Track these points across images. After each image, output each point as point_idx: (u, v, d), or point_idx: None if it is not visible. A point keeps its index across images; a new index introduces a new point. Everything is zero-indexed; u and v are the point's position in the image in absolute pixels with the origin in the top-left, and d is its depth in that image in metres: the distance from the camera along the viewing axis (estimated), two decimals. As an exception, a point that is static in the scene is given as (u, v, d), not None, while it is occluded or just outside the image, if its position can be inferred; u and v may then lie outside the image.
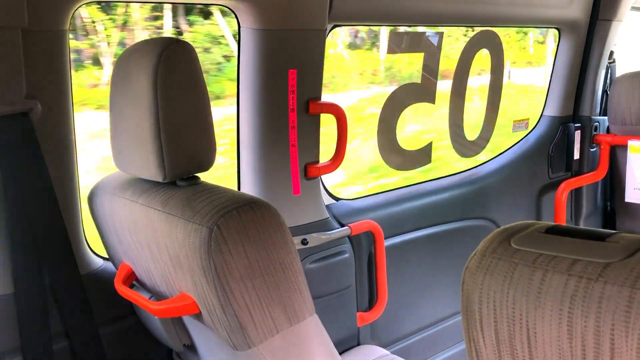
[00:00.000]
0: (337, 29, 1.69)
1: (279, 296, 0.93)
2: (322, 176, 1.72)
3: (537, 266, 0.58)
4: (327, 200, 1.80)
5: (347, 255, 1.72)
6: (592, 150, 2.39)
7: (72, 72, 1.26)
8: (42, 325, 1.23)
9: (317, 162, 1.62)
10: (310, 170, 1.60)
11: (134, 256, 1.09)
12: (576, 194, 2.44)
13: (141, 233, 1.01)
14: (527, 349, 0.59)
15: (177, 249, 0.91)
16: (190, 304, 0.95)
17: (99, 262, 1.38)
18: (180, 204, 0.93)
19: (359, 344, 1.81)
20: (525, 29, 5.20)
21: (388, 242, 1.84)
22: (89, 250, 1.36)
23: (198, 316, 0.97)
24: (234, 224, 0.87)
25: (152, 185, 1.05)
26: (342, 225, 1.72)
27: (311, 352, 0.97)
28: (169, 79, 0.95)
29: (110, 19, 3.62)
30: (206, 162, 1.03)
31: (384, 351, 1.73)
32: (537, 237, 0.62)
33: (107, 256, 1.40)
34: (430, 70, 1.94)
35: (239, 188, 1.60)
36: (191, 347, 1.23)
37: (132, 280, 1.17)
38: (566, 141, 2.36)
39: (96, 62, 3.71)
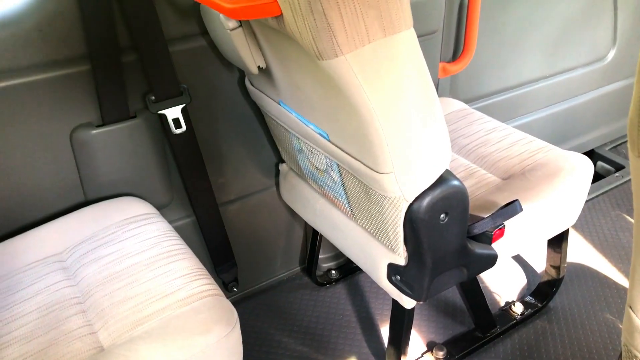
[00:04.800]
0: None
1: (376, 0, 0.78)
2: None
3: None
4: None
5: (438, -6, 1.52)
6: None
7: None
8: (107, 29, 1.15)
9: None
10: None
11: None
12: None
13: None
14: None
15: None
16: (270, 3, 0.83)
17: None
18: None
19: (437, 97, 1.71)
20: None
21: (485, -13, 1.62)
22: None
23: (279, 20, 0.85)
24: None
25: None
26: None
27: (402, 70, 0.85)
28: None
29: None
30: None
31: (464, 105, 1.62)
32: None
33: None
34: None
35: None
36: (265, 71, 1.14)
37: None
38: None
39: None
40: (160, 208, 1.39)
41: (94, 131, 1.21)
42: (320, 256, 1.78)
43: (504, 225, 1.15)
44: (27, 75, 1.12)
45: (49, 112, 1.16)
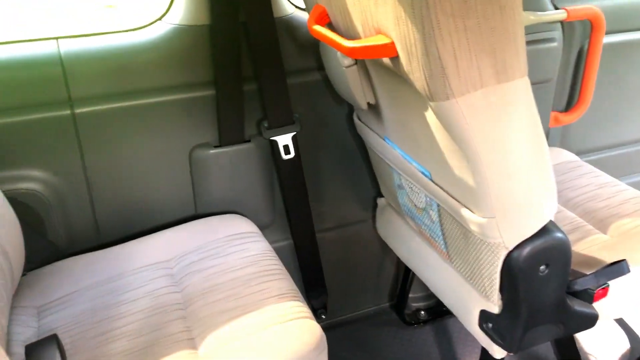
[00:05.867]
0: None
1: (491, 45, 0.80)
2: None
3: None
4: (544, -23, 1.54)
5: (555, 44, 1.50)
6: None
7: None
8: (233, 60, 1.24)
9: None
10: None
11: None
12: None
13: None
14: None
15: None
16: (387, 44, 0.87)
17: (290, 8, 1.33)
18: None
19: (546, 146, 1.67)
20: None
21: (608, 39, 1.57)
22: (282, -6, 1.31)
23: (393, 61, 0.89)
24: None
25: None
26: (557, 8, 1.48)
27: (512, 117, 0.86)
28: None
29: None
30: None
31: (574, 156, 1.58)
32: None
33: (297, 4, 1.35)
34: None
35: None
36: (373, 107, 1.19)
37: (326, 23, 1.10)
38: None
39: None
40: (262, 228, 1.46)
41: (212, 151, 1.30)
42: (410, 295, 1.77)
43: (608, 285, 1.10)
44: (158, 95, 1.24)
45: (173, 130, 1.27)
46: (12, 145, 1.17)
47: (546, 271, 1.01)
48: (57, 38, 1.18)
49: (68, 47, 1.18)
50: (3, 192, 1.07)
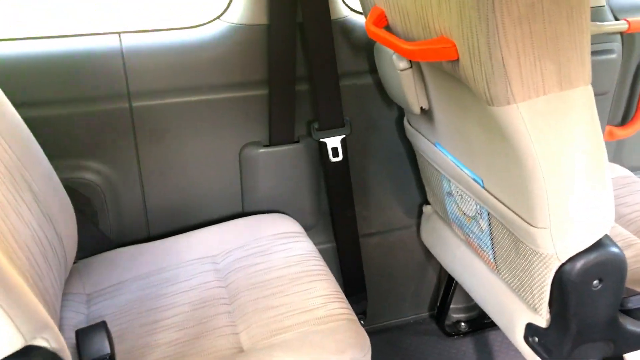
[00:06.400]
0: None
1: (556, 52, 0.78)
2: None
3: None
4: (605, -13, 1.51)
5: (614, 55, 1.47)
6: None
7: None
8: (288, 60, 1.25)
9: None
10: None
11: None
12: None
13: None
14: None
15: None
16: (449, 47, 0.86)
17: (345, 11, 1.34)
18: None
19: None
20: None
21: (669, 51, 1.53)
22: (338, -3, 1.32)
23: (454, 64, 0.88)
24: None
25: None
26: (617, 19, 1.44)
27: (574, 125, 0.84)
28: None
29: None
30: None
31: (628, 172, 1.53)
32: None
33: (353, 7, 1.36)
34: None
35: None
36: (426, 112, 1.18)
37: (383, 25, 1.10)
38: None
39: None
40: (305, 230, 1.46)
41: (261, 150, 1.32)
42: (451, 305, 1.74)
43: None
44: (212, 92, 1.25)
45: (225, 128, 1.29)
46: (71, 135, 1.20)
47: (599, 286, 0.98)
48: (119, 33, 1.21)
49: (129, 41, 1.21)
50: (61, 180, 1.10)
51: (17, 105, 1.04)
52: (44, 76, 1.16)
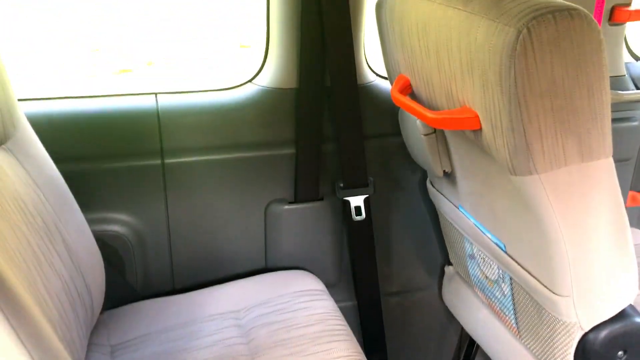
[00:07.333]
0: None
1: (577, 126, 0.81)
2: (626, 27, 1.46)
3: None
4: (626, 57, 1.54)
5: (636, 123, 1.49)
6: None
7: None
8: (316, 122, 1.30)
9: (629, 4, 1.36)
10: (617, 14, 1.36)
11: (416, 66, 1.05)
12: None
13: (431, 36, 0.95)
14: None
15: (473, 52, 0.83)
16: (472, 117, 0.89)
17: (372, 77, 1.39)
18: (486, 2, 0.83)
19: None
20: None
21: (691, 120, 1.54)
22: (365, 62, 1.37)
23: (476, 134, 0.91)
24: (547, 29, 0.75)
25: None
26: (638, 88, 1.47)
27: (595, 196, 0.86)
28: None
29: None
30: None
31: (652, 239, 1.52)
32: None
33: (379, 72, 1.41)
34: None
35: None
36: (449, 175, 1.20)
37: (408, 93, 1.14)
38: None
39: None
40: (327, 287, 1.47)
41: (286, 207, 1.35)
42: (472, 368, 1.72)
43: None
44: (241, 151, 1.30)
45: (252, 185, 1.33)
46: (104, 189, 1.25)
47: (624, 357, 0.98)
48: (156, 93, 1.27)
49: (165, 101, 1.27)
50: (91, 231, 1.14)
51: (56, 160, 1.09)
52: (83, 133, 1.22)
